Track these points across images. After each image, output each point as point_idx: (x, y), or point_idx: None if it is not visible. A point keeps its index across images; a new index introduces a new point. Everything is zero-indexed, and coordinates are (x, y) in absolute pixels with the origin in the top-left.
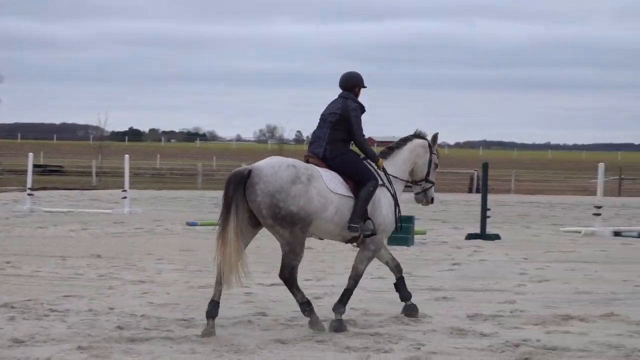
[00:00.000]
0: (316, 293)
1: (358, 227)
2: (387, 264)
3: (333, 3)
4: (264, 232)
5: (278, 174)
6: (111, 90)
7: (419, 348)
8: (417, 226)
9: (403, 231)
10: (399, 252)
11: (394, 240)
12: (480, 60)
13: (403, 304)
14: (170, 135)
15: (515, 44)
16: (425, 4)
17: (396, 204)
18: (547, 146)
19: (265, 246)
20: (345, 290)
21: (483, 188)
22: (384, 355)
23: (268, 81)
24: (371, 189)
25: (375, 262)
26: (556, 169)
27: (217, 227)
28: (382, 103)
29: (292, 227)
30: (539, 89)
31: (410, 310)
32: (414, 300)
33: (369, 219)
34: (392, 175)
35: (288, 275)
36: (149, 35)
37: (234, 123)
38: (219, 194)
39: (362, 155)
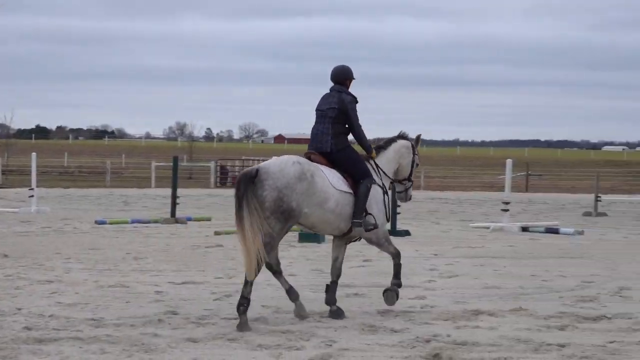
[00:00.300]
0: (227, 291)
1: (361, 223)
2: (335, 260)
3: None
4: (173, 231)
5: (284, 171)
6: (17, 88)
7: (330, 345)
8: None
9: None
10: (310, 250)
11: (305, 237)
12: (390, 57)
13: (328, 307)
14: (78, 132)
15: (425, 41)
16: (337, 0)
17: (385, 196)
18: (455, 142)
19: (175, 244)
20: (395, 265)
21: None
22: (295, 353)
23: (178, 78)
24: (368, 185)
25: (286, 260)
26: (465, 165)
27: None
28: (291, 100)
29: (285, 222)
30: (449, 86)
31: (336, 316)
32: (323, 298)
33: (370, 214)
34: (382, 172)
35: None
36: (58, 32)
37: (143, 120)
38: (129, 191)
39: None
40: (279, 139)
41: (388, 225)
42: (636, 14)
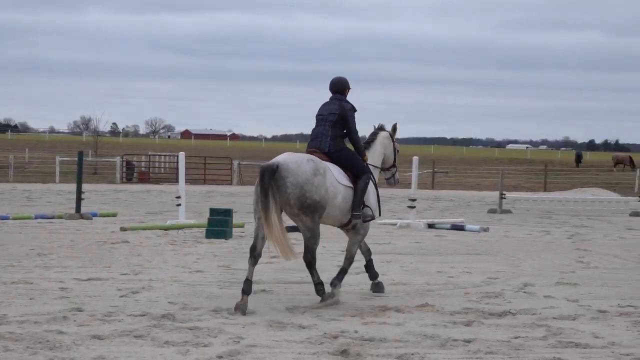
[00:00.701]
0: (133, 287)
1: (360, 215)
2: (360, 247)
3: None
4: (78, 226)
5: (301, 168)
6: None
7: (238, 341)
8: (236, 219)
9: (221, 224)
10: (217, 246)
11: (212, 233)
12: (295, 54)
13: (370, 282)
14: None
15: (329, 38)
16: None
17: (377, 190)
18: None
19: (80, 240)
20: (341, 269)
21: None
22: (203, 349)
23: (82, 72)
24: (367, 180)
25: (194, 256)
26: None
27: (256, 216)
28: (191, 95)
29: (314, 214)
30: (353, 84)
31: (378, 289)
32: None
33: (367, 206)
34: (372, 165)
35: (310, 258)
36: None
37: (47, 114)
38: (32, 186)
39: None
40: (186, 134)
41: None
42: (542, 14)
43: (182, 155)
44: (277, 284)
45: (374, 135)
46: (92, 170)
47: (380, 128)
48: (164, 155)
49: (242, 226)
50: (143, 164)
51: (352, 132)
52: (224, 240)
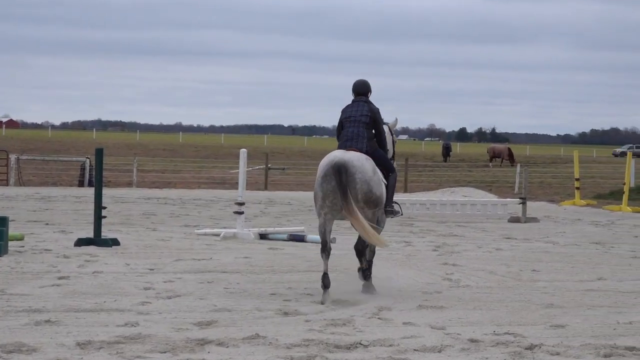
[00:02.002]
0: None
1: (392, 210)
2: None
3: None
4: None
5: (365, 165)
6: None
7: None
8: (12, 230)
9: None
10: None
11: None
12: (94, 19)
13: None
14: None
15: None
16: None
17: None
18: (177, 127)
19: None
20: (368, 262)
21: (97, 180)
22: None
23: None
24: (396, 177)
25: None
26: (189, 157)
27: (322, 212)
28: None
29: (375, 208)
30: (162, 56)
31: (367, 290)
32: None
33: (396, 202)
34: None
35: (361, 247)
36: None
37: None
38: None
39: None
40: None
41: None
42: None
43: None
44: (65, 312)
45: None
46: None
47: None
48: None
49: (20, 239)
50: None
51: (381, 134)
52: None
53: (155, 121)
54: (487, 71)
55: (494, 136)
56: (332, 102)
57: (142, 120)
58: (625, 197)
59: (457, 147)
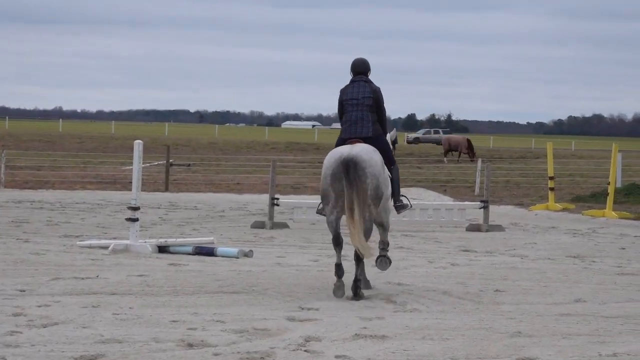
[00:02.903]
0: None
1: (402, 204)
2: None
3: None
4: None
5: (374, 159)
6: None
7: None
8: None
9: None
10: None
11: None
12: None
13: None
14: None
15: None
16: None
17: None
18: (56, 113)
19: None
20: (386, 244)
21: None
22: None
23: None
24: (398, 169)
25: None
26: (71, 150)
27: (329, 204)
28: None
29: (379, 204)
30: (41, 25)
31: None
32: None
33: (404, 195)
34: None
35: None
36: None
37: None
38: None
39: None
40: None
41: None
42: None
43: None
44: None
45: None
46: None
47: None
48: None
49: None
50: None
51: (384, 114)
52: None
53: (29, 105)
54: (441, 44)
55: (450, 124)
56: (249, 82)
57: (12, 104)
58: (609, 199)
59: (403, 138)
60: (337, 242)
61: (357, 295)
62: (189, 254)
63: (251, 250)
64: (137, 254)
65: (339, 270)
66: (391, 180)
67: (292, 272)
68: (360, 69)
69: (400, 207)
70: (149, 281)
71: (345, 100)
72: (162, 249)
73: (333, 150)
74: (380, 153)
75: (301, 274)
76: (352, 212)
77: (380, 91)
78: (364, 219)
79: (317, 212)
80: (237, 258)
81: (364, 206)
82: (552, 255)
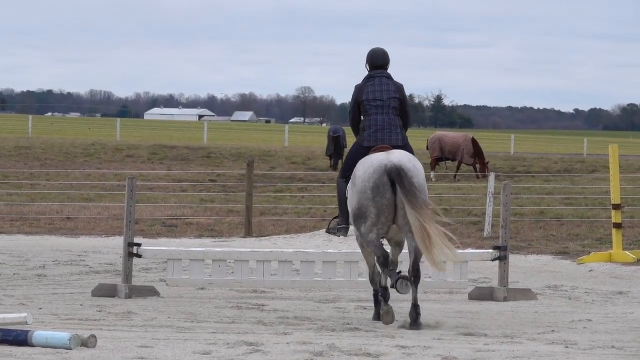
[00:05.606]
0: None
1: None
2: (394, 254)
3: None
4: None
5: (417, 167)
6: None
7: None
8: None
9: None
10: None
11: None
12: None
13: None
14: None
15: None
16: None
17: None
18: None
19: None
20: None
21: None
22: None
23: None
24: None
25: None
26: None
27: (382, 224)
28: None
29: None
30: None
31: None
32: None
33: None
34: None
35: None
36: None
37: None
38: None
39: None
40: None
41: None
42: None
43: None
44: None
45: None
46: None
47: None
48: None
49: None
50: None
51: (409, 118)
52: None
53: None
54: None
55: (439, 112)
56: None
57: None
58: None
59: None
60: (386, 263)
61: (416, 323)
62: None
63: (93, 336)
64: None
65: (385, 293)
66: None
67: None
68: (379, 61)
69: None
70: None
71: (366, 100)
72: None
73: (365, 158)
74: None
75: None
76: (422, 224)
77: (403, 89)
78: (437, 225)
79: (326, 231)
80: (70, 349)
81: (428, 212)
82: (619, 342)
